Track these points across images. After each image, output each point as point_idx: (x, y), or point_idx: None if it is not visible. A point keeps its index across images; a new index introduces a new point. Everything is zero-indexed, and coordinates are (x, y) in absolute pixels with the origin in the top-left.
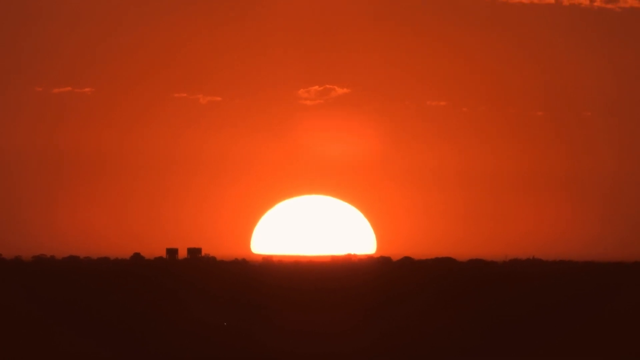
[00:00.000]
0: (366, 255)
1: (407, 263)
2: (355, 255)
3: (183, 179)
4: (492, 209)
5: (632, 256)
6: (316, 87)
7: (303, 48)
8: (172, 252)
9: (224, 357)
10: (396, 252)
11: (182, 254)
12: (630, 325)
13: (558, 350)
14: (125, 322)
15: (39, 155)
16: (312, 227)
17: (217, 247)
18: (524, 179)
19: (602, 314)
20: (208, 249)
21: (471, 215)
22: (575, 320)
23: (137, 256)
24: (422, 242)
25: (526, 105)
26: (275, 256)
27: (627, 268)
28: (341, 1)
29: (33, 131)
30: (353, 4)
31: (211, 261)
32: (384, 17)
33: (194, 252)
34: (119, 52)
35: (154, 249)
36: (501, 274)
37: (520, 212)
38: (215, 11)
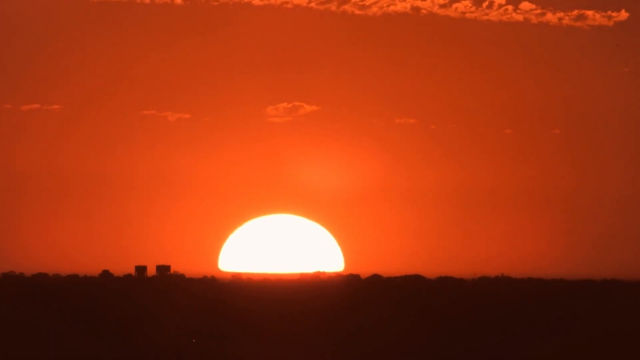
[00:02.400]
0: (335, 272)
1: (376, 280)
2: (324, 273)
3: (152, 196)
4: (461, 226)
5: (601, 273)
6: (284, 104)
7: (271, 65)
8: (140, 269)
9: None
10: (364, 270)
11: (151, 271)
12: (598, 341)
13: None
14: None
15: (7, 172)
16: (280, 245)
17: (186, 264)
18: (492, 196)
19: (570, 330)
20: (177, 267)
21: (440, 232)
22: (544, 336)
23: (106, 273)
24: (390, 260)
25: (495, 122)
26: (244, 274)
27: (595, 285)
28: (310, 19)
29: (1, 148)
30: (321, 22)
31: (180, 278)
32: (352, 35)
33: (162, 269)
34: (88, 69)
35: (122, 266)
36: (470, 292)
37: (489, 229)
38: (184, 28)
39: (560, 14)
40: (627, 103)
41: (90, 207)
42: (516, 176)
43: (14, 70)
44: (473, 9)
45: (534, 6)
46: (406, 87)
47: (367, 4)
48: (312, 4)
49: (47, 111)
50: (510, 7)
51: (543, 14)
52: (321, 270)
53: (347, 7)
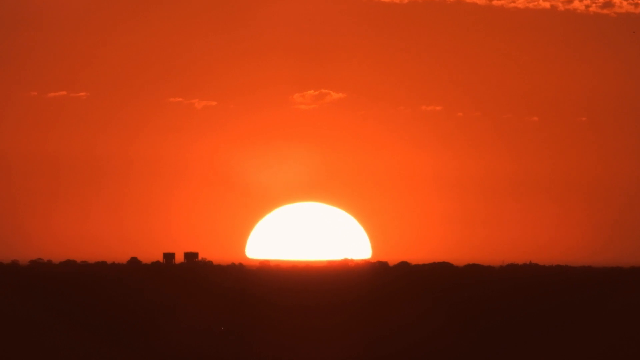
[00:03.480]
0: (363, 260)
1: (404, 268)
2: (352, 260)
3: (179, 184)
4: (488, 214)
5: (629, 261)
6: (311, 92)
7: (298, 53)
8: (169, 256)
9: None
10: (392, 257)
11: (179, 258)
12: (627, 329)
13: (555, 354)
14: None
15: (35, 160)
16: (308, 233)
17: (214, 251)
18: (519, 184)
19: (599, 318)
20: (205, 254)
21: (467, 220)
22: (573, 324)
23: (134, 260)
24: (418, 248)
25: (521, 110)
26: (272, 261)
27: (623, 272)
28: (336, 7)
29: (28, 135)
30: (348, 9)
31: (208, 265)
32: (378, 22)
33: (190, 256)
34: (114, 56)
35: (151, 254)
36: (498, 279)
37: (517, 216)
38: (210, 16)
39: (587, 1)
40: None
41: (118, 195)
42: (542, 164)
43: (40, 58)
44: None
45: None
46: (432, 74)
47: None
48: None
49: (74, 98)
50: None
51: (570, 1)
52: (349, 257)
53: None
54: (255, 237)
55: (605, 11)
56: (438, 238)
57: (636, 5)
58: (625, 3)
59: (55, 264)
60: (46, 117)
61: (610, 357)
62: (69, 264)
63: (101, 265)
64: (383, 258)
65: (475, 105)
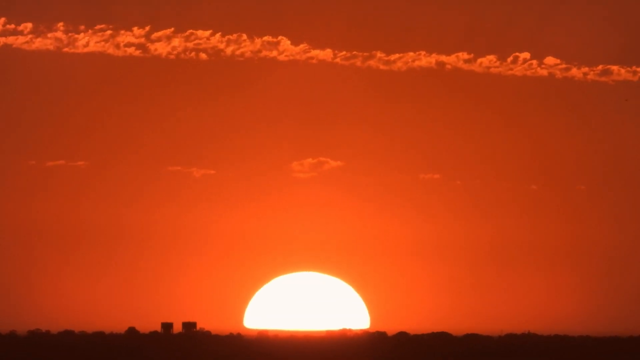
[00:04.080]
0: (362, 330)
1: (402, 338)
2: (350, 330)
3: (178, 252)
4: (487, 282)
5: (627, 330)
6: (310, 160)
7: (297, 121)
8: (167, 326)
9: None
10: (391, 327)
11: (177, 328)
12: None
13: None
14: None
15: (33, 229)
16: (306, 303)
17: (212, 321)
18: (518, 252)
19: None
20: (203, 324)
21: (465, 288)
22: None
23: (132, 330)
24: (417, 317)
25: (520, 178)
26: (270, 331)
27: (622, 342)
28: (334, 75)
29: (27, 204)
30: (346, 77)
31: (206, 335)
32: (377, 89)
33: (189, 326)
34: (113, 125)
35: (149, 323)
36: (497, 349)
37: (515, 285)
38: (209, 84)
39: (585, 69)
40: None
41: (117, 264)
42: (541, 232)
43: (38, 126)
44: (497, 64)
45: (558, 61)
46: (431, 142)
47: (392, 59)
48: (337, 60)
49: (72, 167)
50: (535, 62)
51: (568, 69)
52: (347, 327)
53: (372, 62)
54: (254, 307)
55: (603, 79)
56: (437, 307)
57: (634, 73)
58: (623, 71)
59: (54, 334)
60: (45, 185)
61: None
62: (68, 334)
63: (99, 335)
64: (382, 328)
65: (473, 173)
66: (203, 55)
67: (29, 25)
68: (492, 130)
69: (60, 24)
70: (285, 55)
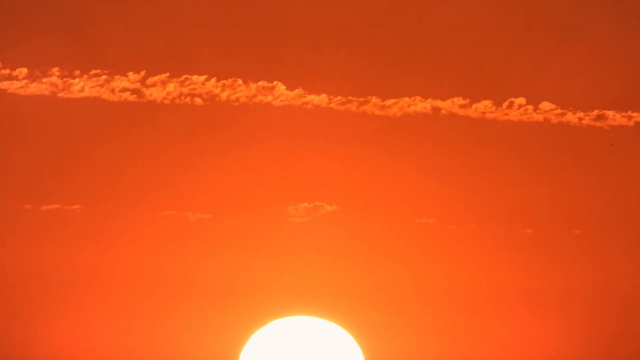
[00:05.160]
0: None
1: None
2: None
3: (172, 297)
4: (483, 327)
5: None
6: (305, 205)
7: (292, 165)
8: None
9: None
10: None
11: None
12: None
13: None
14: None
15: (27, 273)
16: (301, 347)
17: None
18: (514, 296)
19: None
20: None
21: (463, 334)
22: None
23: None
24: None
25: (515, 223)
26: None
27: None
28: (330, 120)
29: (22, 248)
30: (341, 122)
31: None
32: (372, 134)
33: None
34: (108, 169)
35: None
36: None
37: (511, 330)
38: (204, 129)
39: (580, 114)
40: None
41: (111, 308)
42: (537, 276)
43: (33, 170)
44: (493, 109)
45: (554, 106)
46: (426, 187)
47: (388, 104)
48: (332, 105)
49: (68, 211)
50: (530, 107)
51: (563, 114)
52: None
53: (367, 107)
54: (248, 352)
55: (598, 124)
56: (434, 353)
57: (629, 117)
58: (618, 116)
59: None
60: (40, 230)
61: None
62: None
63: None
64: None
65: (469, 217)
66: (198, 100)
67: (24, 70)
68: (487, 175)
69: (56, 68)
70: (281, 100)
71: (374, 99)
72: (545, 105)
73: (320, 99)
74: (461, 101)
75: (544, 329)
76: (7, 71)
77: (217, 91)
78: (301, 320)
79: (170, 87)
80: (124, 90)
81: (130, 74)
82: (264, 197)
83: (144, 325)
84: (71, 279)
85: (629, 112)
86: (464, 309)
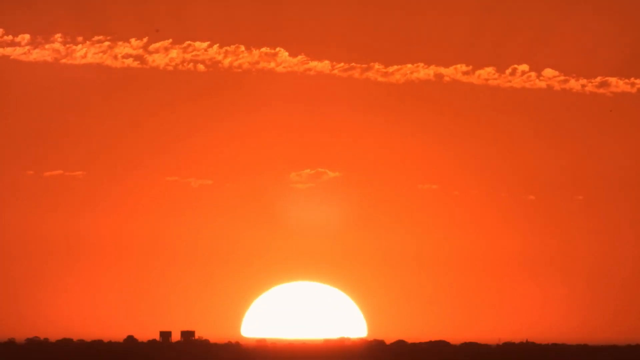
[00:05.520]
0: (360, 338)
1: (401, 346)
2: (348, 339)
3: (176, 262)
4: (485, 292)
5: (625, 338)
6: (308, 171)
7: (295, 132)
8: (165, 335)
9: None
10: (387, 336)
11: (176, 336)
12: None
13: None
14: None
15: (31, 238)
16: (304, 311)
17: (210, 330)
18: (516, 262)
19: None
20: (201, 332)
21: (463, 298)
22: None
23: (130, 339)
24: (414, 326)
25: (518, 189)
26: (269, 339)
27: (619, 350)
28: (332, 86)
29: (24, 214)
30: (345, 89)
31: (205, 344)
32: (375, 101)
33: (187, 334)
34: (111, 135)
35: (147, 332)
36: (495, 357)
37: (513, 295)
38: (207, 95)
39: (583, 81)
40: None
41: (115, 273)
42: (539, 242)
43: (35, 136)
44: (496, 75)
45: (557, 73)
46: (428, 153)
47: (390, 71)
48: (335, 71)
49: (70, 177)
50: (533, 74)
51: (566, 81)
52: (345, 336)
53: (370, 74)
54: (252, 316)
55: (601, 90)
56: (435, 316)
57: (632, 84)
58: (621, 82)
59: (52, 342)
60: (42, 196)
61: None
62: (66, 342)
63: (98, 344)
64: (378, 337)
65: (471, 184)
66: (201, 67)
67: (27, 36)
68: (490, 141)
69: (58, 35)
70: (283, 67)
71: (377, 66)
72: (548, 72)
73: (323, 66)
74: (464, 68)
75: (545, 293)
76: (10, 37)
77: (219, 57)
78: (304, 286)
79: (173, 53)
80: (127, 56)
81: (132, 40)
82: (266, 164)
83: (148, 289)
84: (74, 244)
85: (632, 79)
86: (466, 274)
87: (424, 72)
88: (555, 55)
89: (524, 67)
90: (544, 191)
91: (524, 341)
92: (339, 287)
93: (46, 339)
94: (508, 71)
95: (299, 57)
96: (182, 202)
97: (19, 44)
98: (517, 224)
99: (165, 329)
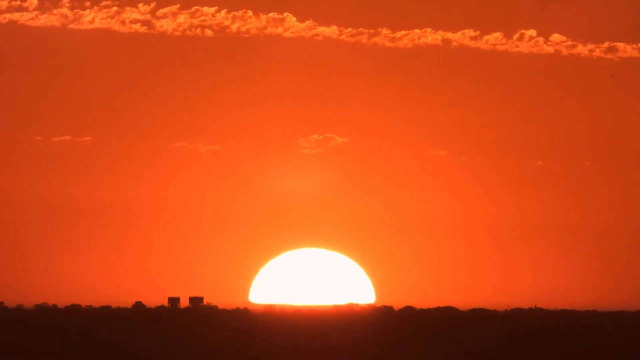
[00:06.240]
0: (368, 304)
1: (409, 312)
2: (357, 305)
3: (184, 228)
4: (493, 258)
5: (635, 305)
6: (316, 136)
7: (303, 97)
8: (174, 301)
9: None
10: (395, 302)
11: (184, 302)
12: None
13: None
14: None
15: (39, 204)
16: (311, 278)
17: (218, 296)
18: (524, 227)
19: None
20: (210, 298)
21: (472, 264)
22: None
23: (139, 305)
24: (421, 293)
25: (526, 154)
26: (277, 305)
27: (628, 316)
28: (340, 53)
29: (33, 180)
30: (352, 55)
31: (213, 310)
32: (382, 67)
33: (195, 301)
34: (119, 101)
35: (155, 298)
36: (503, 323)
37: (521, 260)
38: (215, 61)
39: (590, 46)
40: None
41: (123, 239)
42: (547, 208)
43: (44, 101)
44: (504, 41)
45: (564, 38)
46: (436, 119)
47: (398, 36)
48: (343, 37)
49: (78, 143)
50: (541, 39)
51: (574, 46)
52: (354, 302)
53: (377, 39)
54: (260, 283)
55: (609, 56)
56: (442, 283)
57: (639, 49)
58: (629, 47)
59: (60, 308)
60: (50, 161)
61: None
62: (74, 309)
63: (106, 310)
64: (386, 303)
65: (479, 149)
66: (208, 32)
67: (35, 1)
68: (498, 106)
69: (66, 0)
70: (291, 32)
71: (385, 31)
72: (555, 37)
73: (331, 31)
74: (472, 33)
75: (553, 259)
76: (18, 2)
77: (227, 23)
78: (312, 252)
79: (181, 18)
80: (135, 21)
81: (140, 5)
82: (274, 129)
83: (156, 255)
84: (82, 210)
85: None
86: (474, 239)
87: (431, 37)
88: (563, 20)
89: (532, 32)
90: (552, 157)
91: (533, 307)
92: (346, 254)
93: (55, 305)
94: (516, 36)
95: (307, 22)
96: (190, 168)
97: (26, 9)
98: (525, 189)
99: (174, 295)
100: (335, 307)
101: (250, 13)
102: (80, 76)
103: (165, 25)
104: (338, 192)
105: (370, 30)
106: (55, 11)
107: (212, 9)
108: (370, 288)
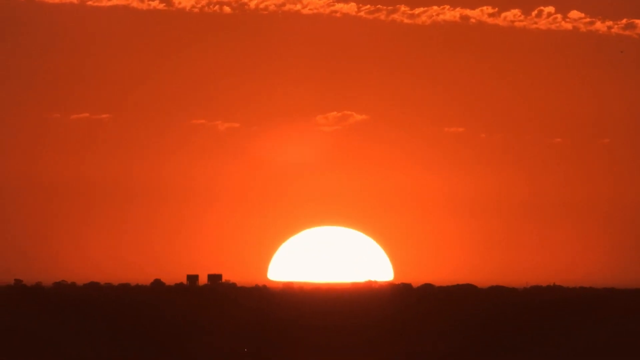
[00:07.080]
0: (386, 282)
1: (427, 289)
2: (375, 282)
3: (203, 205)
4: (512, 236)
5: None
6: (334, 113)
7: (321, 74)
8: (192, 278)
9: None
10: (415, 280)
11: (203, 280)
12: None
13: None
14: (147, 347)
15: (57, 182)
16: (329, 255)
17: (237, 273)
18: (542, 205)
19: (622, 339)
20: (228, 276)
21: (490, 241)
22: (595, 345)
23: (157, 282)
24: (440, 270)
25: (544, 132)
26: (296, 283)
27: None
28: (359, 28)
29: (51, 157)
30: (370, 31)
31: (231, 287)
32: (401, 43)
33: (214, 278)
34: (137, 78)
35: (174, 275)
36: (522, 300)
37: (540, 238)
38: (233, 37)
39: (609, 23)
40: None
41: (142, 216)
42: (565, 185)
43: (62, 79)
44: (522, 17)
45: (583, 15)
46: (455, 95)
47: (416, 12)
48: (361, 13)
49: (97, 120)
50: (559, 16)
51: (592, 23)
52: (372, 279)
53: (396, 15)
54: (278, 260)
55: (627, 32)
56: (461, 260)
57: None
58: None
59: (79, 286)
60: (69, 138)
61: None
62: (93, 286)
63: (125, 287)
64: (405, 281)
65: (498, 126)
66: (227, 9)
67: None
68: (517, 83)
69: None
70: (309, 9)
71: (403, 8)
72: (574, 13)
73: (349, 7)
74: (490, 10)
75: (573, 237)
76: None
77: None
78: (330, 230)
79: None
80: None
81: None
82: (293, 106)
83: (175, 233)
84: (100, 188)
85: None
86: (493, 216)
87: (449, 14)
88: None
89: (550, 9)
90: (570, 134)
91: (552, 284)
92: (364, 231)
93: (73, 283)
94: (534, 13)
95: None
96: (209, 145)
97: None
98: (544, 166)
99: (192, 272)
100: (354, 285)
101: None
102: (98, 53)
103: (184, 1)
104: (356, 170)
105: (389, 7)
106: None
107: None
108: (389, 265)
